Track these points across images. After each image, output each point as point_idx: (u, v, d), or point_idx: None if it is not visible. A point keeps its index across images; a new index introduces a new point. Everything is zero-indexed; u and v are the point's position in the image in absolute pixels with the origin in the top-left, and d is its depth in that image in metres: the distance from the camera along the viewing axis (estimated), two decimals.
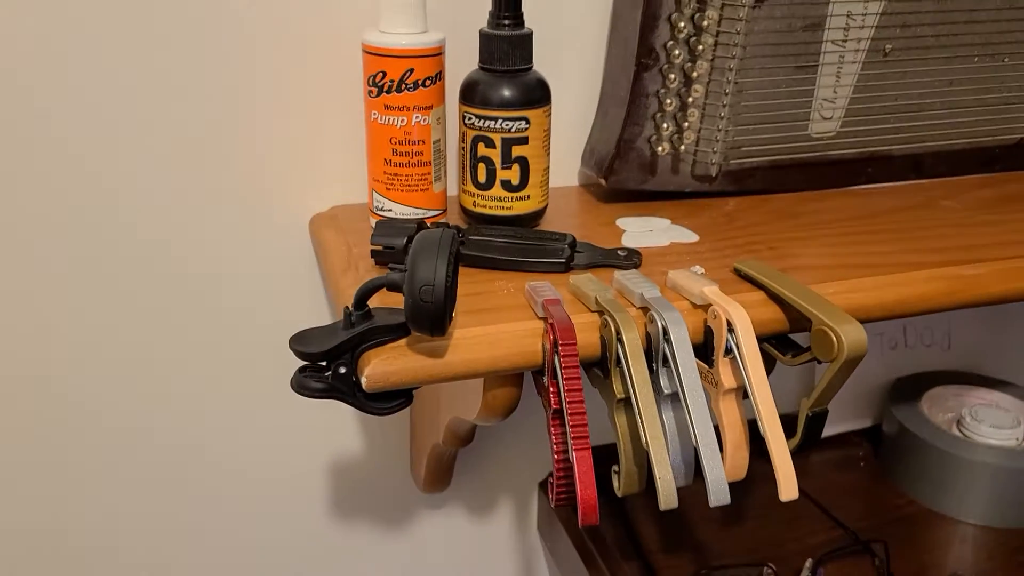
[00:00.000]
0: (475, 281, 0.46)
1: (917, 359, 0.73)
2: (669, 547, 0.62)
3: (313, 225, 0.56)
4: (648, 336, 0.41)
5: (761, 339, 0.45)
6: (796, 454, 0.45)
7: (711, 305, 0.42)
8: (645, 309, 0.42)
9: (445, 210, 0.53)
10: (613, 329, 0.40)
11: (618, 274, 0.45)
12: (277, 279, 0.58)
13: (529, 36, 0.49)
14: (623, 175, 0.55)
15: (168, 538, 0.64)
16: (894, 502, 0.66)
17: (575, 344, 0.38)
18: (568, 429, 0.38)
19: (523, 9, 0.49)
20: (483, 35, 0.49)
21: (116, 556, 0.63)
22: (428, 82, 0.48)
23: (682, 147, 0.55)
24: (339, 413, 0.64)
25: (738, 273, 0.47)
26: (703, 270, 0.47)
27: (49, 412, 0.58)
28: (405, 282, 0.37)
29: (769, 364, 0.46)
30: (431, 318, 0.36)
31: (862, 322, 0.42)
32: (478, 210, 0.51)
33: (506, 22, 0.49)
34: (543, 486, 0.70)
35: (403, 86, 0.48)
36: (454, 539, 0.71)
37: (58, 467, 0.59)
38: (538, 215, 0.52)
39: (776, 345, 0.45)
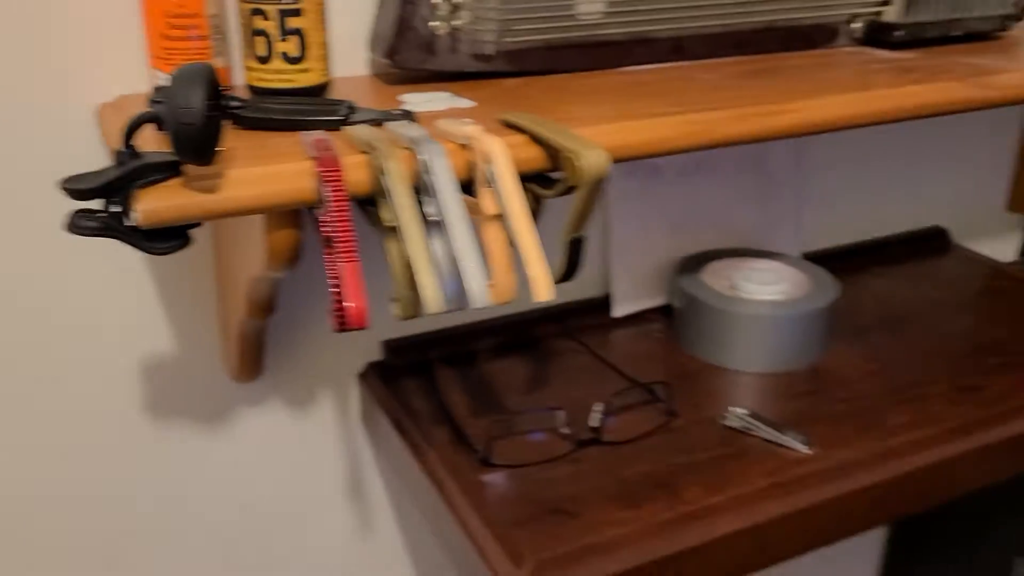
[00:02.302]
0: (256, 141, 0.48)
1: (699, 239, 0.80)
2: (476, 412, 0.66)
3: (101, 116, 0.56)
4: (418, 174, 0.45)
5: (525, 177, 0.49)
6: (565, 281, 0.50)
7: (473, 142, 0.46)
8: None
9: (230, 86, 0.54)
10: (378, 163, 0.43)
11: (391, 124, 0.48)
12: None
13: None
14: (404, 54, 0.58)
15: None
16: (681, 361, 0.73)
17: (339, 171, 0.41)
18: (336, 249, 0.41)
19: None
20: None
21: None
22: None
23: (458, 25, 0.59)
24: (147, 305, 0.65)
25: (505, 124, 0.51)
26: (472, 122, 0.51)
27: None
28: (165, 111, 0.38)
29: (535, 202, 0.51)
30: (193, 142, 0.38)
31: (614, 161, 0.47)
32: (261, 84, 0.53)
33: None
34: (363, 376, 0.73)
35: None
36: (273, 434, 0.73)
37: None
38: (321, 88, 0.55)
39: (539, 183, 0.50)
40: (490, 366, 0.72)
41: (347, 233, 0.40)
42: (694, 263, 0.77)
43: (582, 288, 0.80)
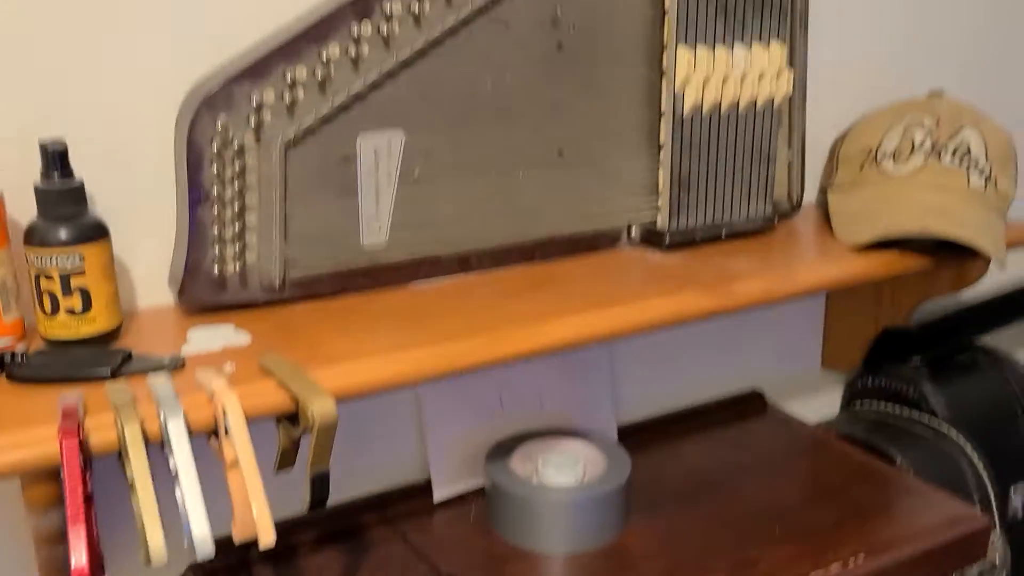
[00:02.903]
0: (26, 398, 0.54)
1: (515, 421, 0.86)
2: None
3: None
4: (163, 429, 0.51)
5: (278, 417, 0.55)
6: (315, 511, 0.55)
7: (216, 396, 0.52)
8: None
9: (23, 337, 0.60)
10: (119, 424, 0.49)
11: (152, 377, 0.54)
12: None
13: (80, 186, 0.59)
14: (194, 293, 0.65)
15: None
16: (492, 545, 0.78)
17: (75, 438, 0.47)
18: (66, 511, 0.46)
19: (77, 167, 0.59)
20: (36, 189, 0.58)
21: None
22: None
23: (246, 264, 0.66)
24: None
25: (262, 367, 0.57)
26: (233, 366, 0.57)
27: None
28: None
29: (289, 440, 0.57)
30: None
31: (355, 397, 0.53)
32: (50, 335, 0.59)
33: (55, 176, 0.58)
34: None
35: None
36: None
37: None
38: (111, 335, 0.61)
39: (290, 421, 0.56)
40: (307, 561, 0.76)
41: (74, 496, 0.46)
42: (506, 446, 0.83)
43: (404, 473, 0.85)
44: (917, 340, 0.99)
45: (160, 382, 0.53)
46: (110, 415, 0.50)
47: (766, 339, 1.03)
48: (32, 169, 0.60)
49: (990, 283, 1.13)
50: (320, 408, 0.51)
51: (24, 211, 0.60)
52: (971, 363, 1.02)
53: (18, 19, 0.61)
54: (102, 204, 0.65)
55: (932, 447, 0.92)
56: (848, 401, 1.05)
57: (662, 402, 0.98)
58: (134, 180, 0.66)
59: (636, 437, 0.91)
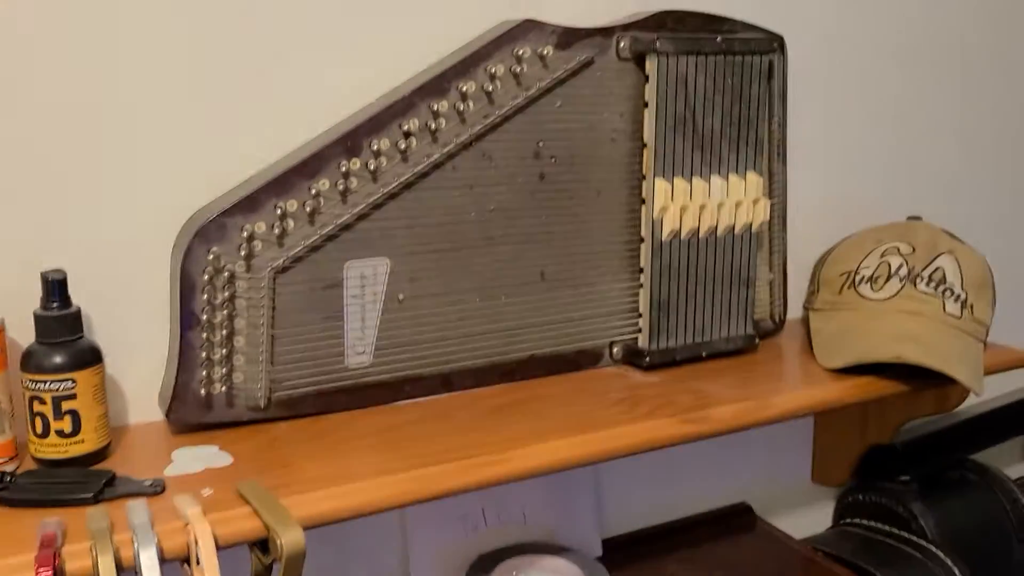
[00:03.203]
0: (13, 522, 0.56)
1: (498, 536, 0.87)
2: None
3: None
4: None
5: (251, 543, 0.57)
6: None
7: (190, 525, 0.54)
8: None
9: (15, 456, 0.63)
10: (94, 553, 0.51)
11: (130, 503, 0.57)
12: None
13: (76, 313, 0.62)
14: (182, 413, 0.68)
15: None
16: None
17: (49, 570, 0.49)
18: None
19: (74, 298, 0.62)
20: (35, 316, 0.62)
21: None
22: None
23: (233, 385, 0.69)
24: None
25: (239, 493, 0.59)
26: (211, 491, 0.59)
27: None
28: None
29: (260, 563, 0.58)
30: None
31: (328, 524, 0.55)
32: (40, 455, 0.62)
33: (54, 304, 0.62)
34: None
35: None
36: None
37: None
38: (98, 454, 0.64)
39: (261, 548, 0.57)
40: None
41: None
42: (488, 561, 0.84)
43: None
44: (904, 457, 0.99)
45: (137, 509, 0.55)
46: (87, 543, 0.53)
47: (756, 453, 1.03)
48: (34, 296, 0.63)
49: (979, 400, 1.13)
50: (288, 539, 0.53)
51: (25, 335, 0.64)
52: (962, 481, 1.02)
53: (24, 156, 0.66)
54: (100, 327, 0.69)
55: (920, 570, 0.92)
56: (839, 516, 1.05)
57: (650, 514, 0.98)
58: (132, 305, 0.70)
59: (622, 552, 0.91)
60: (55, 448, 0.62)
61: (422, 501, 0.62)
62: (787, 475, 1.06)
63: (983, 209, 1.10)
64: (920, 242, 0.86)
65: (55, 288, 0.62)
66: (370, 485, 0.61)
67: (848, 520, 1.03)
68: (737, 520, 1.01)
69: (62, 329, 0.62)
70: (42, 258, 0.66)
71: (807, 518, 1.08)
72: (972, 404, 1.13)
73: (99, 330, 0.69)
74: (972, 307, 0.84)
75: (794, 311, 0.95)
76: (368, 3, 0.74)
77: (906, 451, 0.99)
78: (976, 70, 1.08)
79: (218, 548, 0.54)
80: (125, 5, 0.67)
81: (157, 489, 0.59)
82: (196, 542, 0.53)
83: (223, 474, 0.63)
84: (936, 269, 0.84)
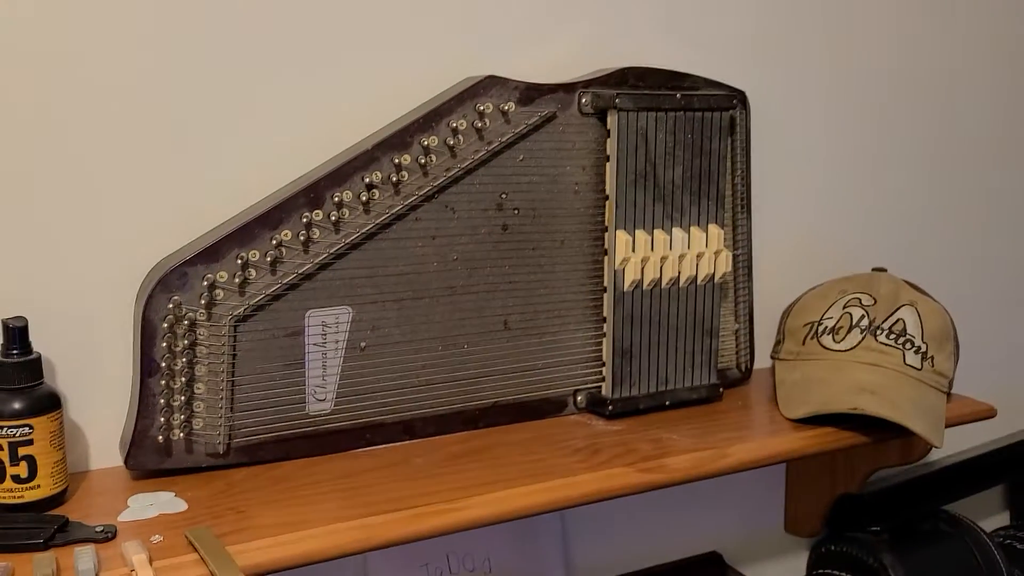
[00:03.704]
0: None
1: None
2: None
3: None
4: None
5: None
6: None
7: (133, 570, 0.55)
8: None
9: None
10: None
11: (78, 549, 0.57)
12: None
13: (36, 360, 0.64)
14: (140, 459, 0.68)
15: None
16: None
17: None
18: None
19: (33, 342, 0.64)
20: None
21: None
22: None
23: (192, 432, 0.70)
24: None
25: (188, 540, 0.60)
26: (161, 538, 0.60)
27: None
28: None
29: None
30: None
31: (277, 571, 0.55)
32: None
33: (14, 351, 0.63)
34: None
35: None
36: None
37: None
38: (54, 499, 0.64)
39: None
40: None
41: None
42: None
43: None
44: (872, 507, 0.99)
45: (84, 556, 0.56)
46: None
47: (728, 500, 1.03)
48: None
49: (954, 451, 1.13)
50: None
51: None
52: (933, 531, 1.02)
53: None
54: (65, 373, 0.70)
55: None
56: (812, 567, 1.05)
57: (620, 563, 0.98)
58: (97, 352, 0.71)
59: None
60: (10, 493, 0.63)
61: (372, 549, 0.62)
62: (760, 525, 1.06)
63: (948, 260, 1.11)
64: (882, 294, 0.87)
65: (15, 335, 0.63)
66: (320, 532, 0.62)
67: (820, 571, 1.02)
68: (706, 569, 1.00)
69: (21, 376, 0.63)
70: (4, 306, 0.67)
71: (780, 568, 1.07)
72: (949, 454, 1.14)
73: (63, 377, 0.70)
74: (933, 359, 0.84)
75: (763, 361, 0.96)
76: (333, 59, 0.76)
77: (873, 501, 0.99)
78: (941, 122, 1.09)
79: None
80: (90, 49, 0.68)
81: (108, 535, 0.60)
82: None
83: (176, 520, 0.63)
84: (897, 321, 0.85)
